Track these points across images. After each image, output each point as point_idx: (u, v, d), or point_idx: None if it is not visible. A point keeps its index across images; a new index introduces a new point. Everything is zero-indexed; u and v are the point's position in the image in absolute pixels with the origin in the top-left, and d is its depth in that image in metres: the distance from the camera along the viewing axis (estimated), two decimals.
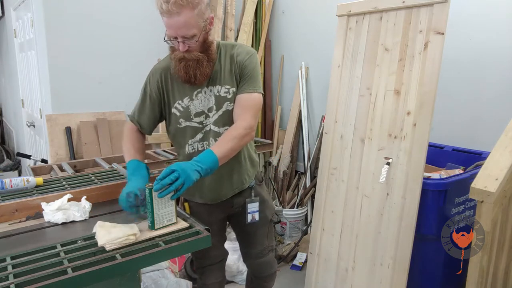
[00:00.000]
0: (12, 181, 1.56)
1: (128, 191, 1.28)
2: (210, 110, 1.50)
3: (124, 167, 2.03)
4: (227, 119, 1.50)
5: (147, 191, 1.20)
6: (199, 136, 1.53)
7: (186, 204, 1.64)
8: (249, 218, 1.63)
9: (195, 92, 1.50)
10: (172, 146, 2.87)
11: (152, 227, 1.23)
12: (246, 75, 1.48)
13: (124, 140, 1.54)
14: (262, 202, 1.67)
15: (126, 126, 1.60)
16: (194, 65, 1.40)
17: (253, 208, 1.63)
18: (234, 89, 1.49)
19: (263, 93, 1.53)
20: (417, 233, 1.79)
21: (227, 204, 1.63)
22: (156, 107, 1.54)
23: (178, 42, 1.37)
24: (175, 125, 1.54)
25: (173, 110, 1.53)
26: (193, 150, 1.54)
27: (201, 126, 1.52)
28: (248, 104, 1.46)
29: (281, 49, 3.50)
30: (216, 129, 1.51)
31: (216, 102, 1.49)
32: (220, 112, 1.50)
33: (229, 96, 1.49)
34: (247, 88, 1.47)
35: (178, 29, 1.33)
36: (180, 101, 1.51)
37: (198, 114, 1.51)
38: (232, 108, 1.49)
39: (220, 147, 1.35)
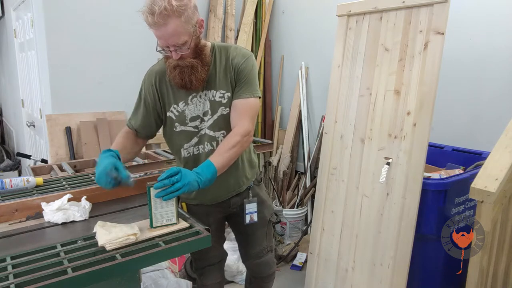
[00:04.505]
0: (12, 181, 1.56)
1: (106, 170, 1.24)
2: (205, 114, 1.49)
3: (124, 167, 2.03)
4: (223, 124, 1.49)
5: (148, 189, 1.22)
6: (195, 140, 1.52)
7: (183, 204, 1.63)
8: (248, 219, 1.62)
9: (190, 97, 1.48)
10: None
11: (150, 224, 1.24)
12: (242, 79, 1.46)
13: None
14: (260, 202, 1.66)
15: (123, 128, 1.59)
16: (189, 71, 1.39)
17: (251, 208, 1.62)
18: (229, 93, 1.47)
19: (260, 96, 1.50)
20: (417, 233, 1.79)
21: (225, 204, 1.62)
22: (151, 110, 1.53)
23: (171, 51, 1.35)
24: (171, 129, 1.53)
25: (169, 114, 1.52)
26: (189, 154, 1.53)
27: (196, 130, 1.51)
28: (245, 110, 1.45)
29: (281, 49, 3.50)
30: (211, 133, 1.50)
31: (211, 107, 1.48)
32: (215, 117, 1.48)
33: (224, 101, 1.47)
34: (243, 93, 1.45)
35: (168, 39, 1.31)
36: (175, 105, 1.50)
37: (193, 119, 1.50)
38: (227, 113, 1.48)
39: (219, 158, 1.34)
